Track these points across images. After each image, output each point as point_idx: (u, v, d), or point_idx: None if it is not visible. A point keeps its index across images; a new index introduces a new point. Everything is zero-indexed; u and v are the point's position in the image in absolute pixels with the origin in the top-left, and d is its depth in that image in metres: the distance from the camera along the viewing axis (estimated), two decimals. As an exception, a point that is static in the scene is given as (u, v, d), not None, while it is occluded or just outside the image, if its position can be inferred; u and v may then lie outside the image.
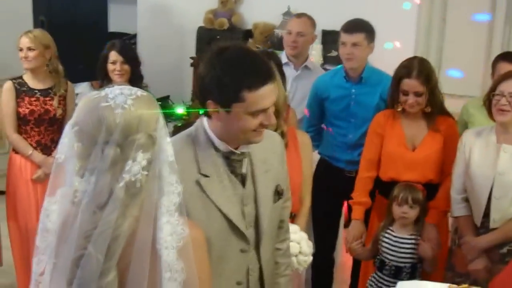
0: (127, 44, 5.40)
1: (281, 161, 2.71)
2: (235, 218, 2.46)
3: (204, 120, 2.48)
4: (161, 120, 1.95)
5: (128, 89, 1.93)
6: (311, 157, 3.76)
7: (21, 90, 4.81)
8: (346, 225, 5.05)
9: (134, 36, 7.82)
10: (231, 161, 2.48)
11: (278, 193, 2.64)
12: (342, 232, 5.41)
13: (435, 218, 3.97)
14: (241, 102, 2.31)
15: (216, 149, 2.45)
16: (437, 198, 3.99)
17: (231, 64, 2.33)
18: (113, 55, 4.91)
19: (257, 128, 2.38)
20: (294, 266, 3.29)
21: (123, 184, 1.84)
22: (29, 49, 4.78)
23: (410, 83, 3.89)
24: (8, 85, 4.84)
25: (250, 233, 2.54)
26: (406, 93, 3.92)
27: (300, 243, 3.29)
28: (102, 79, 4.94)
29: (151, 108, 1.93)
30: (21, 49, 4.80)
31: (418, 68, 3.90)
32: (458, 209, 3.83)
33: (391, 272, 3.99)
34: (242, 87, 2.29)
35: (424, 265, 3.98)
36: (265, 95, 2.32)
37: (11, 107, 4.79)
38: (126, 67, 4.91)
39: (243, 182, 2.52)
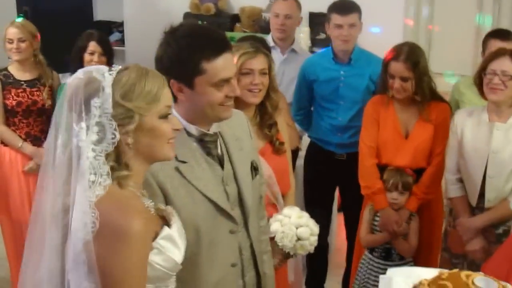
0: (105, 35, 5.30)
1: (249, 137, 2.72)
2: (219, 200, 2.44)
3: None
4: (84, 107, 1.95)
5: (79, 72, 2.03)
6: (287, 136, 3.73)
7: (7, 82, 4.73)
8: (340, 209, 5.04)
9: (121, 24, 7.77)
10: (205, 143, 2.46)
11: (255, 169, 2.65)
12: (336, 217, 5.41)
13: (413, 204, 3.92)
14: (203, 75, 2.32)
15: (189, 134, 2.43)
16: (419, 184, 3.93)
17: (186, 39, 2.34)
18: (93, 46, 4.83)
19: (224, 101, 2.38)
20: (307, 248, 3.25)
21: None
22: (20, 40, 4.70)
23: (396, 67, 3.82)
24: None
25: (236, 213, 2.52)
26: (392, 77, 3.86)
27: (308, 225, 3.25)
28: (76, 69, 4.86)
29: (77, 93, 1.96)
30: (10, 41, 4.71)
31: (407, 53, 3.82)
32: (452, 190, 3.81)
33: (381, 254, 3.98)
34: (200, 58, 2.30)
35: (395, 246, 3.96)
36: (225, 65, 2.34)
37: None
38: (103, 58, 4.85)
39: (220, 163, 2.51)
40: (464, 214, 3.75)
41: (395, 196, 3.87)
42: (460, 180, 3.78)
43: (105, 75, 1.97)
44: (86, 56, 4.83)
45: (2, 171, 4.83)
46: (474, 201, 3.72)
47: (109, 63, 4.85)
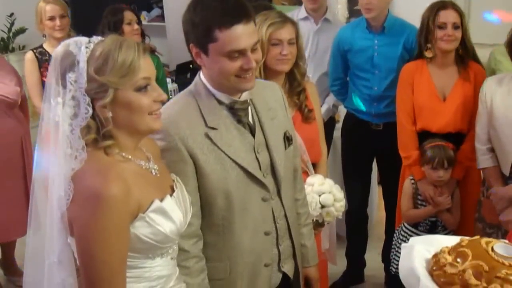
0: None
1: (283, 108, 2.72)
2: (250, 167, 2.46)
3: (201, 73, 2.48)
4: (60, 82, 1.99)
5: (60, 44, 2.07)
6: (320, 105, 3.74)
7: (43, 59, 4.78)
8: (380, 182, 5.01)
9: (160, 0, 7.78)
10: (236, 110, 2.47)
11: (288, 139, 2.65)
12: (376, 188, 5.38)
13: (459, 173, 3.90)
14: (215, 42, 2.29)
15: (219, 101, 2.44)
16: (462, 150, 3.89)
17: (202, 5, 2.32)
18: (129, 15, 4.87)
19: (238, 72, 2.35)
20: (334, 214, 3.27)
21: None
22: (62, 16, 4.75)
23: (448, 13, 3.79)
24: (30, 55, 4.83)
25: (268, 181, 2.54)
26: (443, 26, 3.80)
27: (331, 191, 3.26)
28: None
29: (55, 67, 2.01)
30: (52, 18, 4.74)
31: (452, 3, 3.85)
32: (483, 160, 3.73)
33: (426, 227, 3.94)
34: (212, 26, 2.28)
35: (441, 219, 3.92)
36: (238, 35, 2.29)
37: (35, 77, 4.79)
38: (139, 27, 4.91)
39: (251, 131, 2.52)
40: (497, 183, 3.68)
41: (441, 174, 3.82)
42: (491, 150, 3.70)
43: (81, 48, 1.98)
44: (126, 28, 4.85)
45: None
46: (507, 170, 3.64)
47: (142, 31, 4.91)
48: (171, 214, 2.11)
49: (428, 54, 3.90)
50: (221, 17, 2.28)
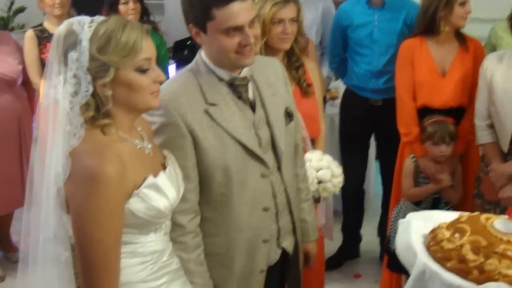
0: None
1: (284, 84, 2.72)
2: (249, 143, 2.47)
3: (201, 51, 2.49)
4: (63, 60, 2.02)
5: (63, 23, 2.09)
6: (319, 81, 3.71)
7: (43, 37, 4.78)
8: (377, 157, 5.01)
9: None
10: (236, 87, 2.48)
11: (289, 115, 2.65)
12: (374, 163, 5.39)
13: (461, 147, 3.89)
14: (213, 20, 2.31)
15: (219, 78, 2.45)
16: (462, 126, 3.87)
17: None
18: None
19: (237, 49, 2.35)
20: (331, 190, 3.27)
21: None
22: None
23: None
24: (30, 33, 4.83)
25: (268, 157, 2.54)
26: (463, 3, 3.78)
27: (329, 167, 3.27)
28: None
29: (58, 45, 2.04)
30: None
31: None
32: (482, 136, 3.71)
33: (429, 204, 3.91)
34: (209, 4, 2.29)
35: (444, 195, 3.90)
36: (235, 12, 2.30)
37: (34, 55, 4.78)
38: (138, 5, 4.87)
39: (252, 107, 2.52)
40: (496, 160, 3.66)
41: (443, 149, 3.79)
42: (491, 126, 3.67)
43: (84, 27, 2.00)
44: (122, 8, 4.83)
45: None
46: (505, 146, 3.61)
47: (143, 7, 4.87)
48: (164, 190, 2.15)
49: (445, 25, 3.85)
50: None
